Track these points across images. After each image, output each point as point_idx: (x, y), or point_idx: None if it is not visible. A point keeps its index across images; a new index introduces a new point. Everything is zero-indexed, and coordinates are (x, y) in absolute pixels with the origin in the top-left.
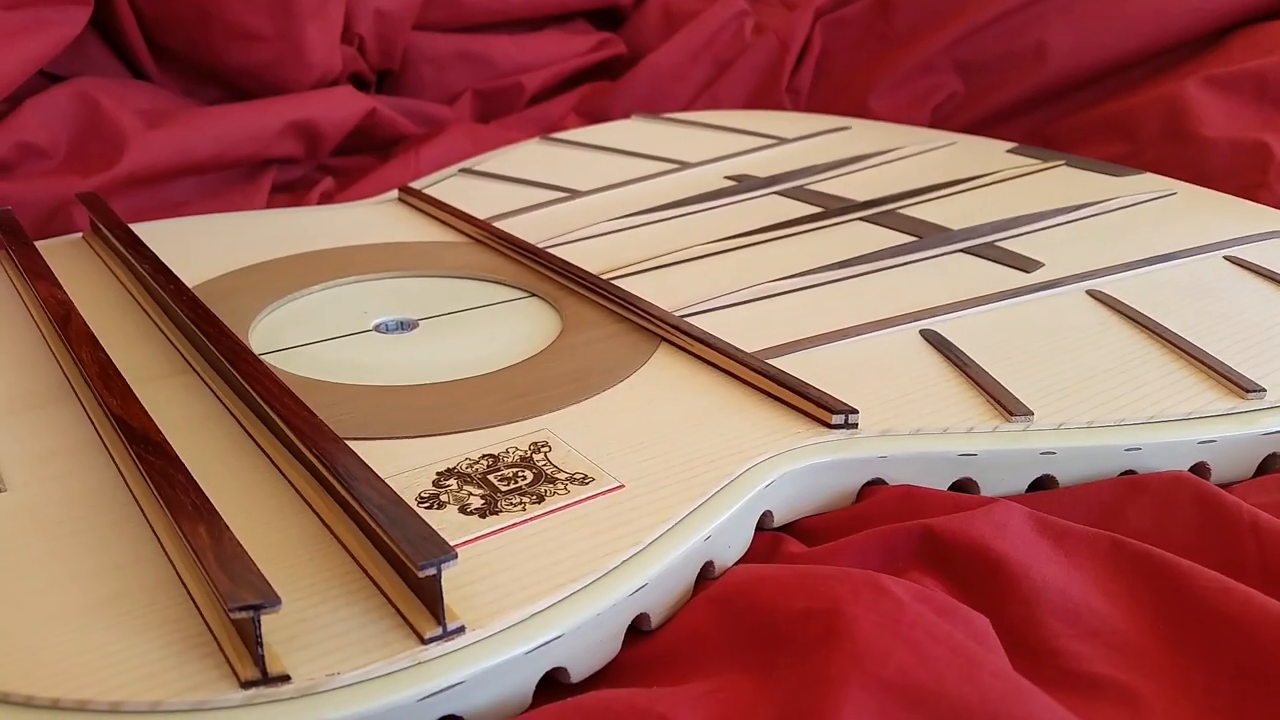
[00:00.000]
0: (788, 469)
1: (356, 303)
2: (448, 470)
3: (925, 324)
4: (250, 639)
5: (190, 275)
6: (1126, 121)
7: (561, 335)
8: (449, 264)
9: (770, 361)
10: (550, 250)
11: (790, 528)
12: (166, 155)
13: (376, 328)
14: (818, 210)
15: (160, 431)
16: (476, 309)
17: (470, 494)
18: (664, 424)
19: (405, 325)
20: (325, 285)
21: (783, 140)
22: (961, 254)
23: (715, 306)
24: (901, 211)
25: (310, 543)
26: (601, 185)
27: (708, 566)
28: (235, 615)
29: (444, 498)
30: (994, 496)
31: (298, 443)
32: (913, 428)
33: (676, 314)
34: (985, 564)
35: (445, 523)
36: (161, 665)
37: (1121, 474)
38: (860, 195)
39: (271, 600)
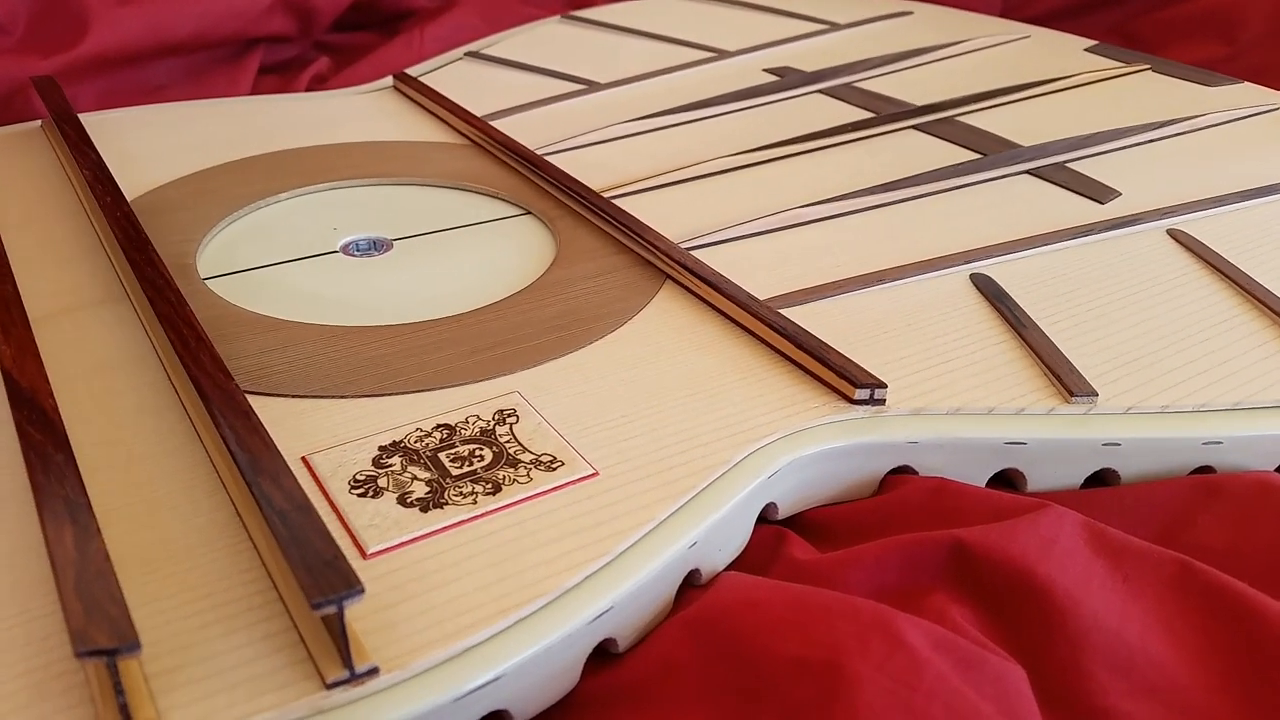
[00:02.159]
0: (798, 454)
1: (327, 216)
2: (393, 445)
3: (978, 266)
4: (107, 687)
5: (144, 178)
6: (1225, 18)
7: (553, 267)
8: (437, 171)
9: (790, 311)
10: (554, 158)
11: (797, 519)
12: (139, 33)
13: (345, 248)
14: (866, 115)
15: (51, 395)
16: (461, 229)
17: (415, 478)
18: (655, 389)
19: (377, 246)
20: (295, 193)
21: (835, 26)
22: (1028, 176)
23: (733, 236)
24: (962, 119)
25: (220, 537)
26: (622, 77)
27: (692, 574)
28: (83, 659)
29: (383, 482)
30: (1041, 495)
31: (207, 415)
32: (951, 406)
33: (686, 245)
34: (1026, 591)
35: (379, 517)
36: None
37: (1195, 471)
38: (916, 97)
39: (128, 643)
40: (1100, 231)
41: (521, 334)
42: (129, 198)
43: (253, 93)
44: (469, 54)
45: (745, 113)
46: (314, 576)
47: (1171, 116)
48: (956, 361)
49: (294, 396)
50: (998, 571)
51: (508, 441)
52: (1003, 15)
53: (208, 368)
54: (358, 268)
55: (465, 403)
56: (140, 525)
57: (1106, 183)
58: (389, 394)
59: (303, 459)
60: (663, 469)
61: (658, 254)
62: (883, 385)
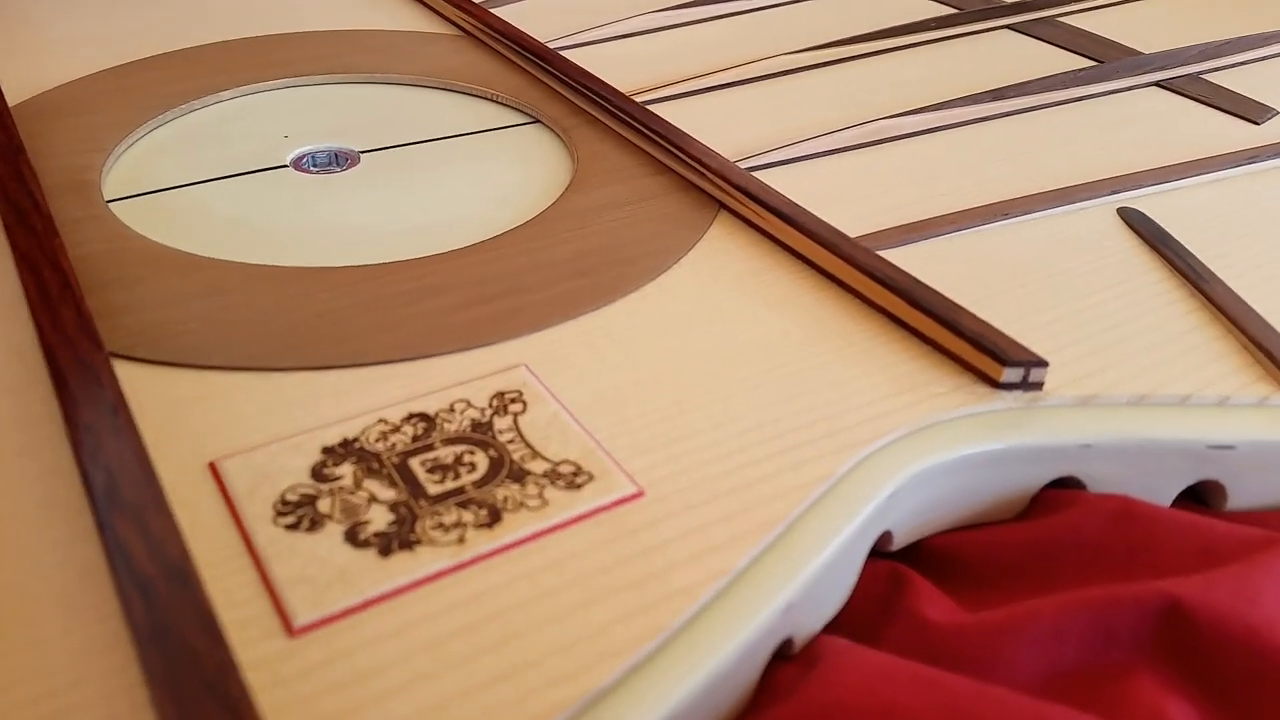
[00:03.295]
0: (926, 463)
1: (277, 121)
2: (343, 445)
3: (1126, 198)
4: None
5: (49, 73)
6: None
7: (568, 192)
8: (420, 67)
9: (889, 254)
10: (568, 54)
11: (917, 548)
12: None
13: (297, 162)
14: (948, 11)
15: None
16: (447, 140)
17: (373, 498)
18: (715, 362)
19: (339, 160)
20: (239, 91)
21: None
22: (1156, 89)
23: (801, 155)
24: (1064, 20)
25: (81, 592)
26: None
27: (783, 644)
28: None
29: (325, 505)
30: (1246, 516)
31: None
32: (1132, 393)
33: (743, 165)
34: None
35: (316, 565)
36: None
37: None
38: None
39: None
40: (1270, 157)
41: (528, 281)
42: (24, 95)
43: None
44: None
45: (798, 5)
46: (184, 710)
47: None
48: (1125, 329)
49: (207, 368)
50: (1233, 647)
51: (511, 441)
52: None
53: (68, 329)
54: (313, 188)
55: (451, 380)
56: None
57: (1256, 98)
58: (342, 366)
59: (210, 465)
60: (736, 486)
61: (709, 175)
62: (1042, 363)
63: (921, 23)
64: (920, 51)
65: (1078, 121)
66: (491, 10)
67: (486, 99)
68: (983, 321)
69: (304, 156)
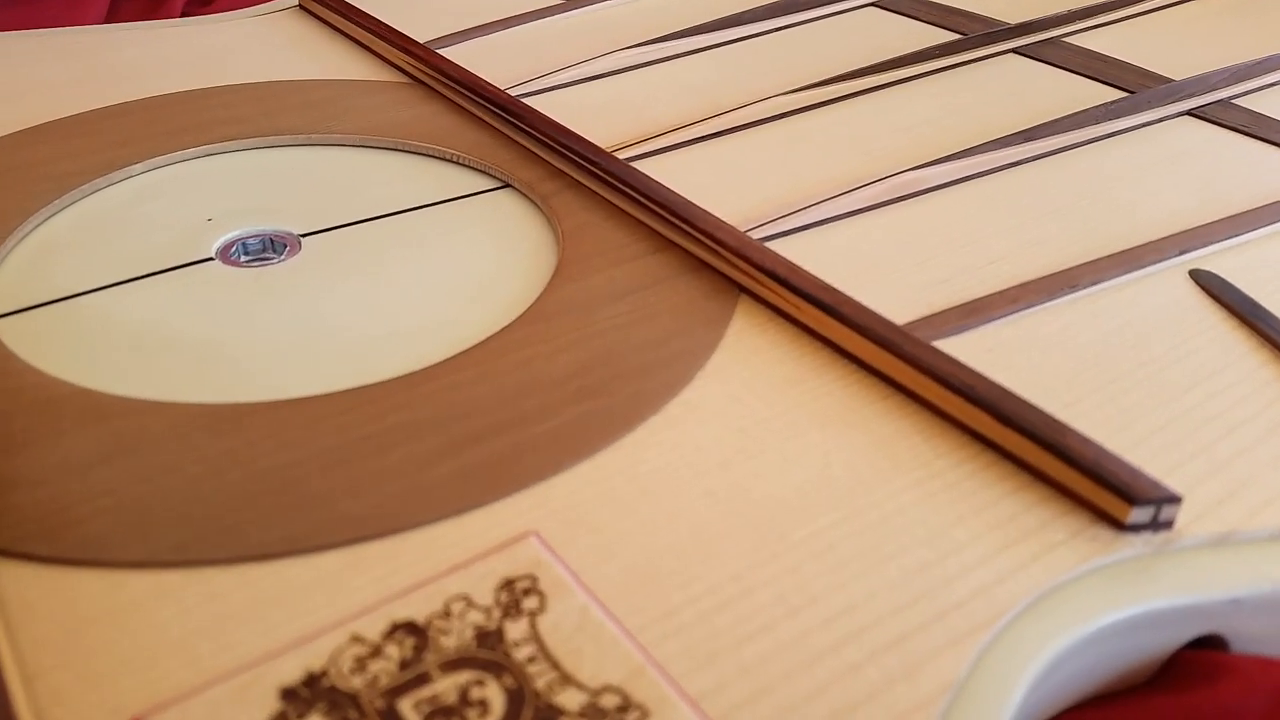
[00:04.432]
0: (1057, 646)
1: (199, 199)
2: (308, 680)
3: (1195, 259)
4: None
5: None
6: None
7: (557, 277)
8: (364, 123)
9: (947, 344)
10: (530, 101)
11: None
12: None
13: (224, 252)
14: (951, 37)
15: None
16: (405, 213)
17: None
18: (773, 519)
19: (275, 246)
20: (152, 164)
21: None
22: (1189, 118)
23: (817, 220)
24: (1069, 40)
25: None
26: None
27: None
28: None
29: None
30: None
31: None
32: (1276, 525)
33: (755, 235)
34: None
35: None
36: None
37: None
38: (998, 11)
39: None
40: None
41: (525, 409)
42: None
43: (107, 21)
44: None
45: (785, 33)
46: None
47: None
48: (1243, 435)
49: (121, 566)
50: None
51: (531, 659)
52: None
53: None
54: (245, 286)
55: (441, 563)
56: None
57: None
58: (297, 553)
59: None
60: (838, 711)
61: (725, 254)
62: (1175, 499)
63: (922, 52)
64: (926, 84)
65: (1117, 164)
66: (440, 52)
67: (446, 160)
68: (1096, 446)
69: (232, 244)
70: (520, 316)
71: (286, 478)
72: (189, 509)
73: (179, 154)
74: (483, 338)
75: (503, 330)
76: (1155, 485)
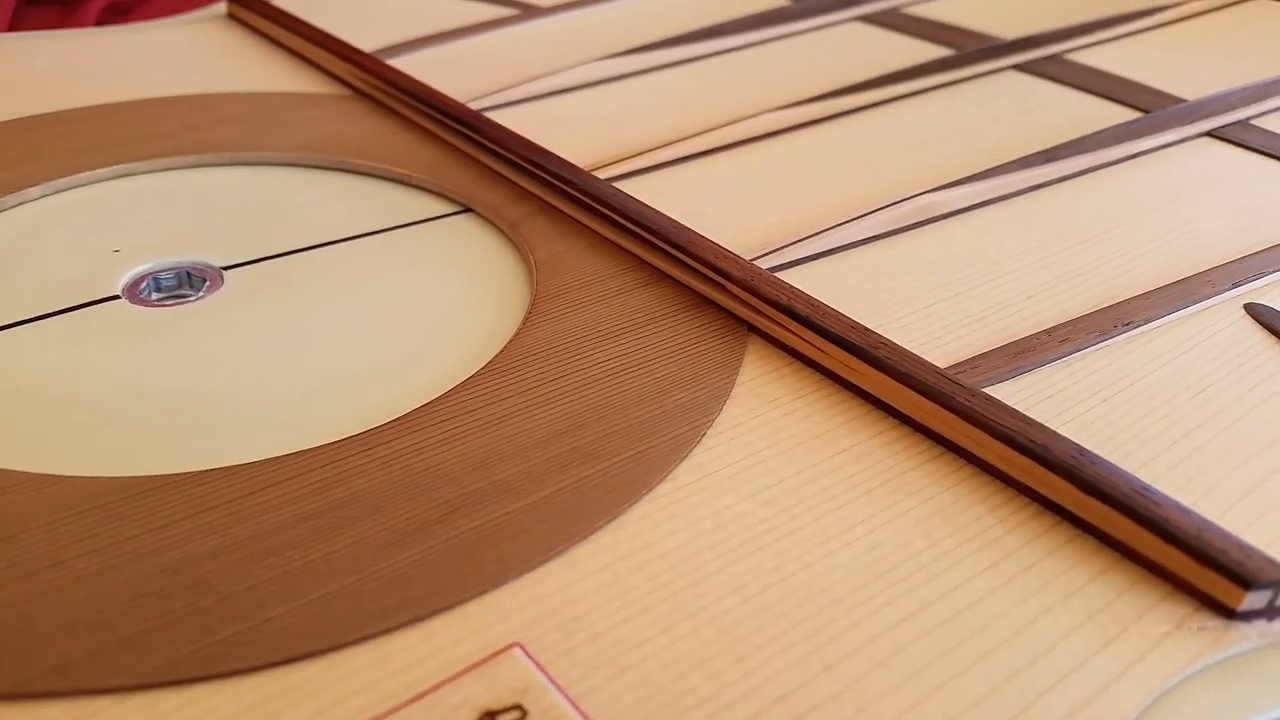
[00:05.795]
0: None
1: (104, 228)
2: None
3: (1249, 291)
4: None
5: None
6: None
7: (533, 314)
8: (299, 139)
9: (998, 391)
10: (495, 114)
11: None
12: None
13: (133, 289)
14: (945, 53)
15: None
16: (348, 242)
17: None
18: (819, 616)
19: (193, 282)
20: (48, 188)
21: None
22: (1208, 140)
23: (828, 248)
24: (1070, 58)
25: None
26: None
27: None
28: None
29: None
30: None
31: None
32: None
33: (763, 263)
34: None
35: None
36: None
37: None
38: (989, 26)
39: None
40: None
41: (504, 477)
42: None
43: (12, 28)
44: None
45: (768, 47)
46: None
47: None
48: None
49: None
50: None
51: None
52: None
53: None
54: (157, 329)
55: (402, 689)
56: None
57: None
58: (211, 678)
59: None
60: None
61: (731, 288)
62: None
63: (921, 67)
64: (925, 101)
65: (1144, 187)
66: (388, 62)
67: (394, 180)
68: (1198, 517)
69: (142, 279)
70: (490, 363)
71: (202, 574)
72: (76, 617)
73: (86, 174)
74: (444, 390)
75: (469, 380)
76: (1272, 564)
